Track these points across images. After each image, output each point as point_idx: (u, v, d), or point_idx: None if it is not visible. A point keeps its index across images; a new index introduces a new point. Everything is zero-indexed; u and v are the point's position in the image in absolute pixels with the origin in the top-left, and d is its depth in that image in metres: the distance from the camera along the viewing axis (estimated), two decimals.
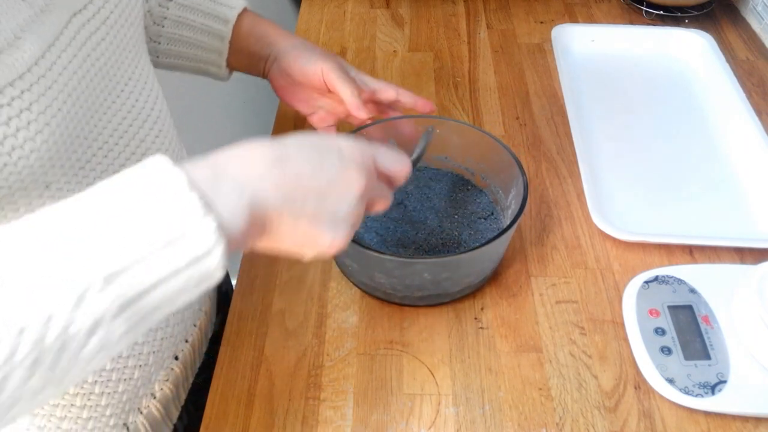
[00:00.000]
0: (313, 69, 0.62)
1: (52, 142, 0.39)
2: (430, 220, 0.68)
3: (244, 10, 0.66)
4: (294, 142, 0.39)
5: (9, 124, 0.36)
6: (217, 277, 0.33)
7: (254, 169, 0.35)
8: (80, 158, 0.44)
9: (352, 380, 0.57)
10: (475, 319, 0.62)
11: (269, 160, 0.36)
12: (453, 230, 0.67)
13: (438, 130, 0.69)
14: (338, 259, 0.64)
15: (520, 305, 0.63)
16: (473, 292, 0.63)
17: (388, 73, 0.91)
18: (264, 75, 0.67)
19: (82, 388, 0.50)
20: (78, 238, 0.30)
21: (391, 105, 0.68)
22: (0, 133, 0.36)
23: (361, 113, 0.61)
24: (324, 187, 0.38)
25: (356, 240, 0.57)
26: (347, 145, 0.41)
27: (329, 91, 0.63)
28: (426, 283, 0.58)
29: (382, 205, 0.44)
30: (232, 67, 0.68)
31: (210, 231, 0.31)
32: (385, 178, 0.44)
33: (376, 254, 0.55)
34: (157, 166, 0.32)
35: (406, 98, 0.66)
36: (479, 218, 0.68)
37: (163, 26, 0.63)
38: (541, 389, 0.56)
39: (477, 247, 0.56)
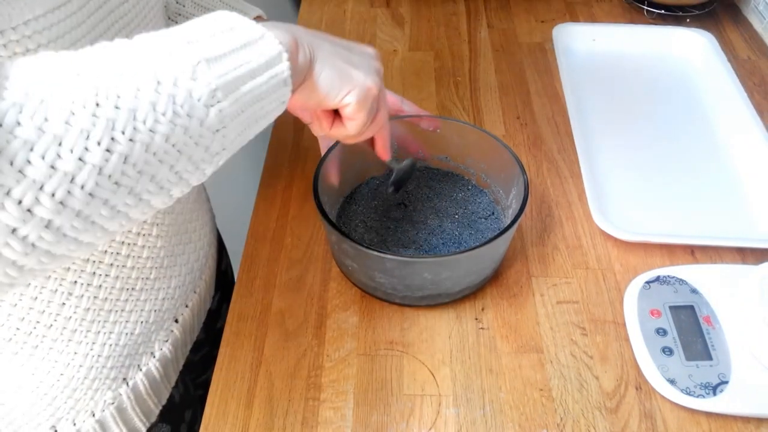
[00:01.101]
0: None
1: None
2: (430, 219, 0.68)
3: (259, 17, 0.66)
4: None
5: (37, 50, 0.38)
6: (287, 91, 0.40)
7: (297, 28, 0.44)
8: None
9: (352, 381, 0.57)
10: (476, 319, 0.62)
11: (306, 30, 0.45)
12: (453, 230, 0.67)
13: (438, 130, 0.69)
14: (338, 259, 0.64)
15: (521, 305, 0.63)
16: (474, 292, 0.63)
17: (388, 73, 0.91)
18: None
19: (86, 336, 0.52)
20: (176, 40, 0.36)
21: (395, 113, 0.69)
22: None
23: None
24: (345, 43, 0.48)
25: (356, 240, 0.56)
26: (371, 49, 0.51)
27: None
28: (426, 283, 0.58)
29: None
30: None
31: (274, 42, 0.39)
32: None
33: (376, 254, 0.55)
34: (221, 12, 0.39)
35: (409, 108, 0.66)
36: (480, 218, 0.68)
37: (176, 22, 0.64)
38: (542, 390, 0.56)
39: (477, 247, 0.56)
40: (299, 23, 1.01)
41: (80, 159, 0.30)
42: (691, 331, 0.58)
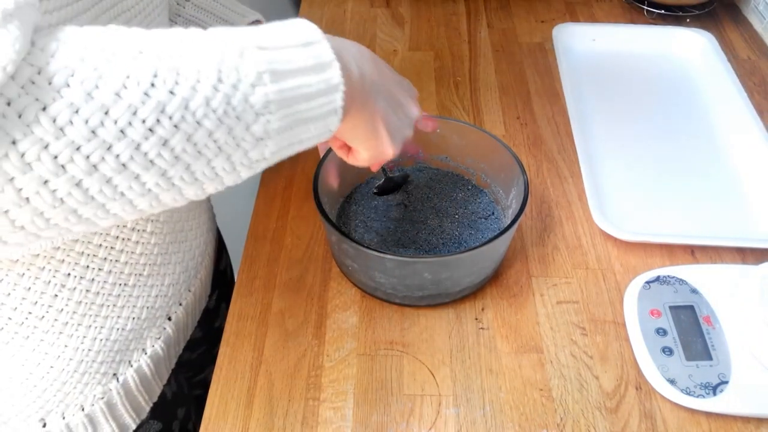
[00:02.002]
0: None
1: None
2: (430, 219, 0.68)
3: (257, 21, 0.67)
4: (382, 61, 0.49)
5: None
6: (336, 120, 0.40)
7: (365, 57, 0.45)
8: None
9: (352, 381, 0.57)
10: (476, 319, 0.62)
11: (369, 56, 0.46)
12: (453, 230, 0.67)
13: (438, 130, 0.69)
14: (338, 259, 0.64)
15: (521, 305, 0.63)
16: (474, 292, 0.63)
17: None
18: None
19: (77, 330, 0.52)
20: (250, 38, 0.36)
21: None
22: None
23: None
24: (399, 99, 0.49)
25: (356, 240, 0.56)
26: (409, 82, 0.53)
27: None
28: (426, 283, 0.58)
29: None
30: None
31: (337, 72, 0.39)
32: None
33: (376, 254, 0.55)
34: (298, 21, 0.40)
35: None
36: (480, 218, 0.68)
37: (176, 23, 0.64)
38: (542, 390, 0.56)
39: (477, 247, 0.56)
40: None
41: (122, 131, 0.32)
42: (691, 331, 0.58)
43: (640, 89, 0.89)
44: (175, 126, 0.33)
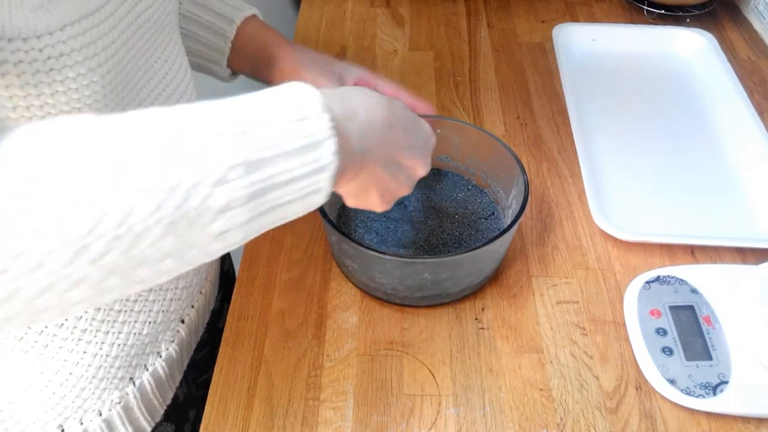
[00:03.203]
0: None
1: (100, 85, 0.41)
2: (430, 220, 0.68)
3: (253, 16, 0.67)
4: (401, 109, 0.45)
5: (71, 55, 0.38)
6: (321, 197, 0.37)
7: (375, 123, 0.41)
8: (113, 110, 0.45)
9: (353, 381, 0.57)
10: (476, 319, 0.62)
11: (386, 121, 0.42)
12: (453, 230, 0.67)
13: (438, 130, 0.69)
14: (338, 260, 0.64)
15: (521, 305, 0.63)
16: (474, 292, 0.63)
17: (388, 73, 0.91)
18: (271, 83, 0.68)
19: (96, 336, 0.52)
20: (224, 128, 0.34)
21: None
22: (62, 62, 0.38)
23: None
24: (405, 161, 0.45)
25: (356, 240, 0.56)
26: (430, 131, 0.49)
27: None
28: (426, 283, 0.58)
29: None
30: (237, 69, 0.68)
31: (330, 151, 0.36)
32: None
33: (376, 254, 0.55)
34: (300, 86, 0.37)
35: (406, 98, 0.66)
36: (480, 218, 0.68)
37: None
38: (542, 390, 0.56)
39: (478, 247, 0.56)
40: (299, 23, 1.01)
41: (40, 264, 0.30)
42: (691, 331, 0.58)
43: (640, 89, 0.89)
44: (108, 245, 0.31)
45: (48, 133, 0.32)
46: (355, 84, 0.64)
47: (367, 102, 0.42)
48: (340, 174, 0.38)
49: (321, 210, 0.58)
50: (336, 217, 0.68)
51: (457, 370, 0.58)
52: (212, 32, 0.65)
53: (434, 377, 0.57)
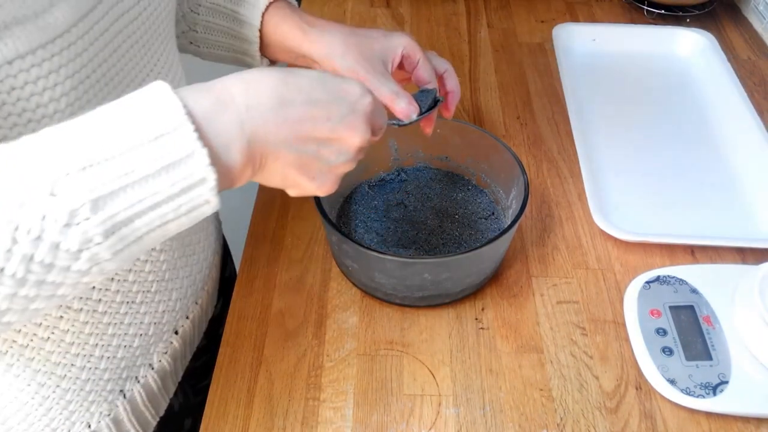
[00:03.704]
0: (348, 75, 0.56)
1: (77, 107, 0.41)
2: (430, 220, 0.68)
3: (276, 1, 0.62)
4: (307, 81, 0.40)
5: (36, 83, 0.38)
6: (210, 207, 0.35)
7: (260, 104, 0.36)
8: None
9: (352, 381, 0.57)
10: (476, 319, 0.62)
11: (277, 98, 0.37)
12: (453, 230, 0.67)
13: (438, 130, 0.69)
14: (338, 260, 0.64)
15: (521, 305, 0.63)
16: (474, 292, 0.63)
17: None
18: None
19: (83, 349, 0.51)
20: (72, 156, 0.31)
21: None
22: (28, 90, 0.37)
23: (407, 115, 0.56)
24: (325, 136, 0.40)
25: (356, 240, 0.56)
26: (359, 92, 0.42)
27: None
28: (426, 283, 0.58)
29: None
30: (275, 59, 0.65)
31: (203, 163, 0.33)
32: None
33: (376, 254, 0.55)
34: (157, 92, 0.33)
35: (451, 82, 0.63)
36: (480, 218, 0.68)
37: (198, 13, 0.62)
38: (542, 390, 0.56)
39: (478, 248, 0.56)
40: None
41: None
42: (691, 331, 0.58)
43: (640, 89, 0.89)
44: None
45: None
46: (402, 59, 0.60)
47: (246, 85, 0.37)
48: (229, 176, 0.35)
49: (321, 210, 0.58)
50: (336, 217, 0.68)
51: (457, 370, 0.58)
52: (239, 23, 0.62)
53: (434, 377, 0.57)
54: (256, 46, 0.62)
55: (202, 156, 0.33)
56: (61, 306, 0.47)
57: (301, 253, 0.68)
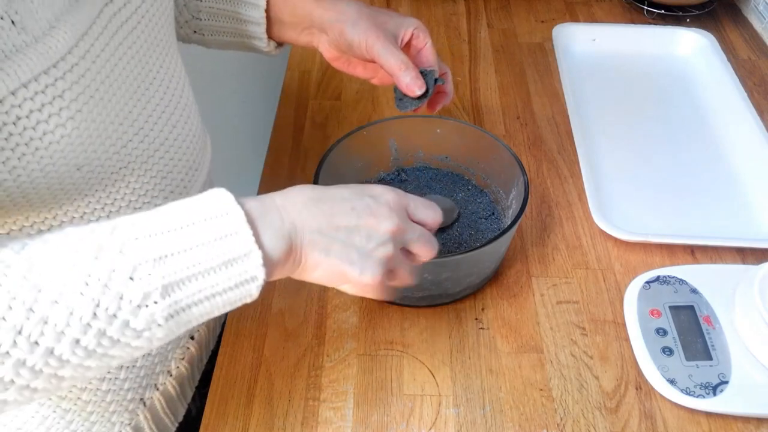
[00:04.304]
0: (357, 42, 0.57)
1: (83, 128, 0.41)
2: None
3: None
4: (335, 188, 0.44)
5: (42, 110, 0.38)
6: (252, 299, 0.39)
7: (296, 203, 0.41)
8: (114, 143, 0.45)
9: (352, 381, 0.57)
10: (476, 319, 0.62)
11: (308, 198, 0.42)
12: (453, 230, 0.67)
13: (438, 130, 0.69)
14: None
15: (521, 305, 0.63)
16: (474, 292, 0.63)
17: None
18: (316, 48, 0.64)
19: None
20: (150, 247, 0.35)
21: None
22: (33, 119, 0.37)
23: (412, 89, 0.57)
24: (354, 223, 0.42)
25: None
26: (383, 190, 0.45)
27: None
28: (426, 283, 0.58)
29: (425, 250, 0.46)
30: (279, 40, 0.65)
31: (257, 263, 0.37)
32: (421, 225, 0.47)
33: None
34: (222, 199, 0.38)
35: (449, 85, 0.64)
36: (480, 218, 0.68)
37: (198, 34, 0.63)
38: (542, 390, 0.56)
39: (478, 247, 0.56)
40: None
41: None
42: (691, 331, 0.58)
43: (640, 89, 0.89)
44: (38, 371, 0.33)
45: None
46: (412, 37, 0.60)
47: (284, 193, 0.42)
48: (272, 269, 0.39)
49: None
50: None
51: (457, 370, 0.58)
52: (244, 5, 0.62)
53: (434, 377, 0.57)
54: (262, 28, 0.62)
55: (257, 257, 0.37)
56: None
57: None
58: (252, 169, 0.94)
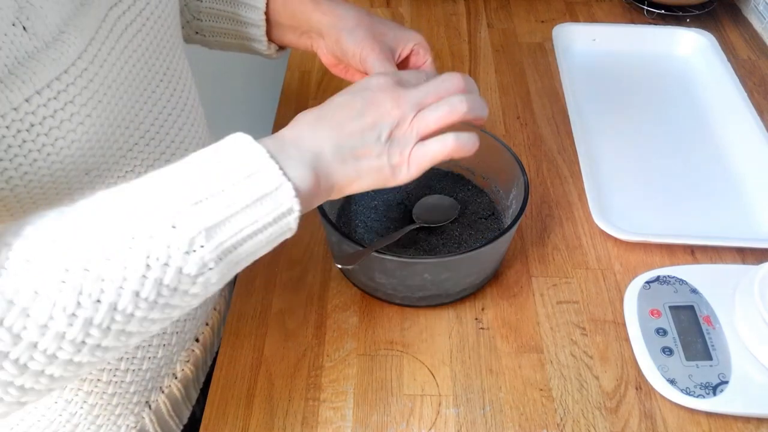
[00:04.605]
0: (352, 52, 0.56)
1: (92, 132, 0.41)
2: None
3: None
4: (329, 99, 0.44)
5: (54, 116, 0.38)
6: (290, 233, 0.40)
7: (303, 131, 0.42)
8: (121, 147, 0.45)
9: (352, 381, 0.57)
10: (476, 319, 0.62)
11: (313, 118, 0.43)
12: (453, 230, 0.67)
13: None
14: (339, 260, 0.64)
15: (521, 306, 0.63)
16: (474, 292, 0.63)
17: None
18: (314, 50, 0.63)
19: (109, 364, 0.51)
20: (184, 195, 0.36)
21: None
22: (46, 125, 0.38)
23: None
24: (361, 122, 0.43)
25: (356, 240, 0.56)
26: (373, 78, 0.45)
27: None
28: (426, 283, 0.58)
29: (446, 94, 0.45)
30: (279, 43, 0.64)
31: (289, 195, 0.38)
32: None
33: (376, 254, 0.55)
34: (243, 141, 0.38)
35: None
36: (480, 218, 0.68)
37: (201, 0, 0.62)
38: (542, 390, 0.56)
39: (478, 248, 0.56)
40: None
41: (53, 355, 0.34)
42: (691, 331, 0.58)
43: (640, 89, 0.89)
44: (106, 329, 0.35)
45: (30, 246, 0.34)
46: (411, 53, 0.58)
47: (290, 124, 0.43)
48: (308, 200, 0.40)
49: (321, 210, 0.58)
50: (336, 217, 0.68)
51: (457, 370, 0.58)
52: (244, 6, 0.61)
53: (434, 377, 0.57)
54: (262, 30, 0.61)
55: (288, 188, 0.38)
56: None
57: (301, 253, 0.68)
58: None
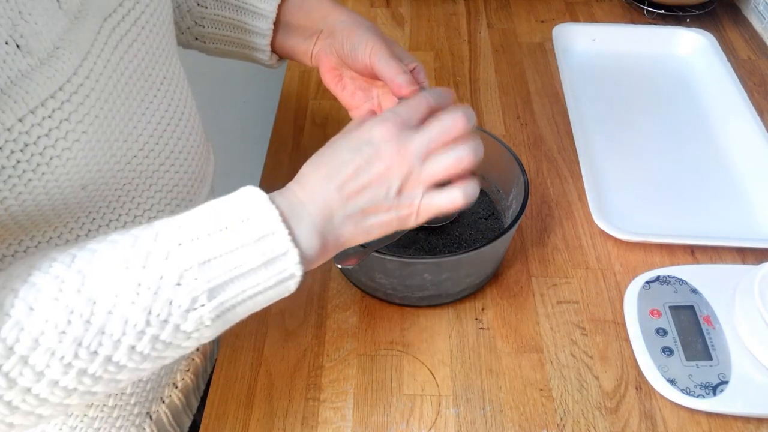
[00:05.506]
0: (364, 45, 0.53)
1: (89, 149, 0.40)
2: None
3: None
4: (332, 149, 0.43)
5: (49, 134, 0.37)
6: (290, 293, 0.41)
7: (313, 192, 0.41)
8: (119, 160, 0.44)
9: (352, 381, 0.57)
10: (476, 319, 0.62)
11: (321, 179, 0.42)
12: (453, 230, 0.67)
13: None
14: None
15: (521, 306, 0.63)
16: (474, 292, 0.63)
17: None
18: (311, 58, 0.60)
19: None
20: (193, 252, 0.36)
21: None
22: (41, 144, 0.37)
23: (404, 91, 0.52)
24: (367, 180, 0.42)
25: None
26: (373, 128, 0.43)
27: (377, 78, 0.55)
28: (426, 283, 0.58)
29: (452, 132, 0.43)
30: (280, 48, 0.63)
31: (294, 261, 0.39)
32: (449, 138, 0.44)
33: (376, 254, 0.55)
34: (256, 198, 0.39)
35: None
36: (480, 218, 0.68)
37: (206, 7, 0.61)
38: (542, 390, 0.56)
39: (478, 248, 0.56)
40: None
41: (45, 399, 0.35)
42: (691, 331, 0.58)
43: (640, 89, 0.89)
44: (98, 378, 0.36)
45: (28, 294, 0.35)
46: (412, 71, 0.55)
47: (299, 182, 0.42)
48: (309, 261, 0.41)
49: None
50: None
51: (457, 370, 0.58)
52: (252, 15, 0.60)
53: (434, 377, 0.57)
54: (267, 40, 0.60)
55: (294, 255, 0.38)
56: None
57: None
58: (252, 169, 0.94)
